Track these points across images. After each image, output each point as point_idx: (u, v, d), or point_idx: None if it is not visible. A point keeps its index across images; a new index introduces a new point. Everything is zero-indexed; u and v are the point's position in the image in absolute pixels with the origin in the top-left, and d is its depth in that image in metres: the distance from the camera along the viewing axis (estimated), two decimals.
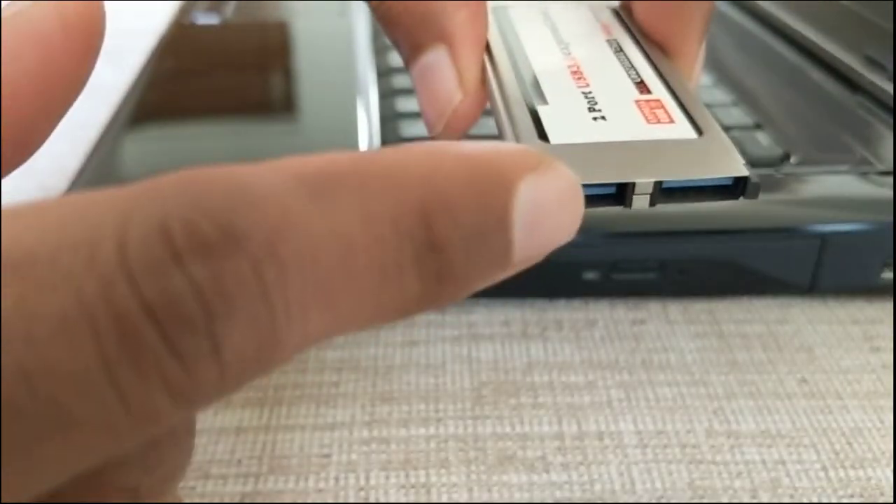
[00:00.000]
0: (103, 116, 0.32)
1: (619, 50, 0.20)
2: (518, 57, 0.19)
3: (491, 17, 0.20)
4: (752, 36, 0.39)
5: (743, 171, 0.15)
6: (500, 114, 0.18)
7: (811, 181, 0.27)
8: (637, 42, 0.20)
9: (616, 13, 0.21)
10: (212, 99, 0.33)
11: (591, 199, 0.15)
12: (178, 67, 0.36)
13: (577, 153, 0.15)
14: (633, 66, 0.19)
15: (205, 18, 0.41)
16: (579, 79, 0.18)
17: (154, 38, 0.40)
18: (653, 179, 0.15)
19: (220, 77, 0.35)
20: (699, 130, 0.16)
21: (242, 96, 0.33)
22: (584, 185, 0.15)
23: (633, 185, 0.15)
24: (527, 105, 0.17)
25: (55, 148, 0.37)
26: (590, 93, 0.18)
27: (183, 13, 0.42)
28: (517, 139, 0.16)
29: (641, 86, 0.18)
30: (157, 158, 0.29)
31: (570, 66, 0.19)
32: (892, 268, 0.27)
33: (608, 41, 0.20)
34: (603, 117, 0.17)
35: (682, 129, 0.16)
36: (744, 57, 0.37)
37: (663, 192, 0.15)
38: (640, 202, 0.15)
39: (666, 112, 0.17)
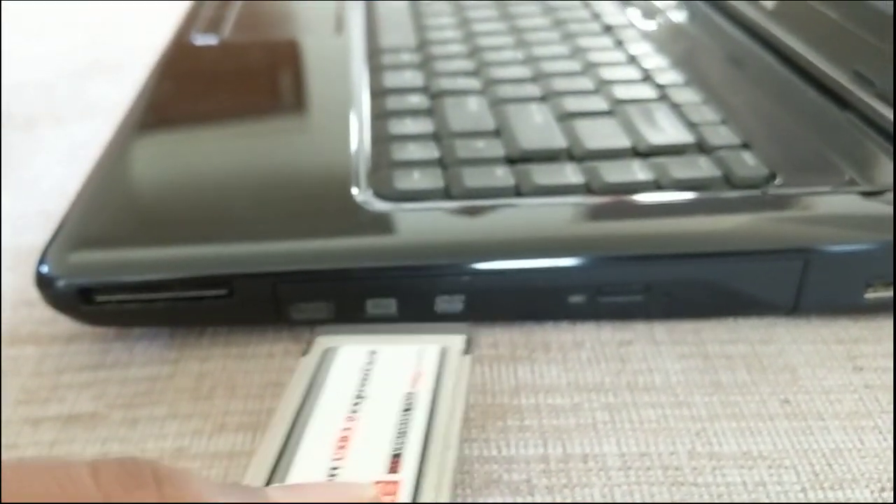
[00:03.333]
0: (104, 136, 0.33)
1: (407, 409, 0.20)
2: (299, 421, 0.20)
3: (314, 361, 0.22)
4: (740, 51, 0.39)
5: None
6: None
7: (796, 201, 0.27)
8: (435, 397, 0.20)
9: (446, 353, 0.22)
10: (209, 118, 0.34)
11: None
12: (175, 87, 0.37)
13: None
14: (405, 433, 0.19)
15: (203, 39, 0.42)
16: (341, 448, 0.19)
17: (155, 55, 0.40)
18: None
19: (217, 97, 0.36)
20: None
21: (239, 116, 0.34)
22: None
23: None
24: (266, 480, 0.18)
25: (56, 171, 0.38)
26: (336, 469, 0.18)
27: (182, 33, 0.43)
28: None
29: (396, 461, 0.18)
30: (156, 177, 0.29)
31: (343, 430, 0.19)
32: (893, 287, 0.27)
33: (407, 395, 0.21)
34: None
35: None
36: (732, 73, 0.37)
37: None
38: None
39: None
